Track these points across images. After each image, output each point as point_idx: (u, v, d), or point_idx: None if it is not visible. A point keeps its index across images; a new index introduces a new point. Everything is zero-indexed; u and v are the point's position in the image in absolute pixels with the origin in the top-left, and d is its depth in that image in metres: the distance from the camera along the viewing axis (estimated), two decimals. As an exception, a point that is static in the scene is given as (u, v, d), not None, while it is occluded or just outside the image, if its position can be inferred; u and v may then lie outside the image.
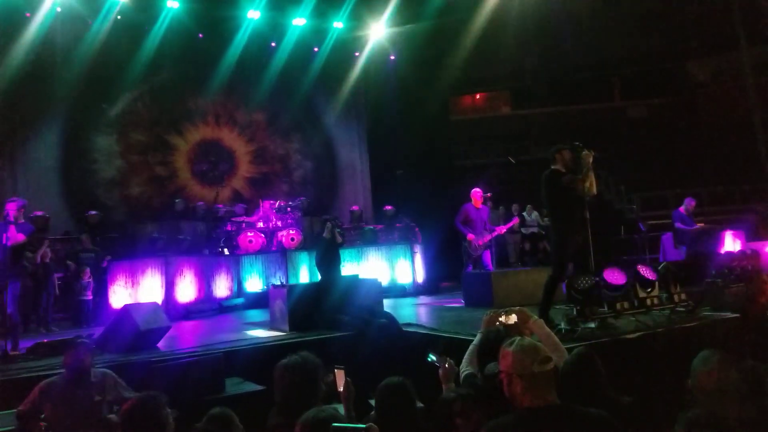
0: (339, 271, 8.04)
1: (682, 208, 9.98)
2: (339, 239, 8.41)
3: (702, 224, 10.07)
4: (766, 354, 4.57)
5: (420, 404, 3.18)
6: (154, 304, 6.51)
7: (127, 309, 5.79)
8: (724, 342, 5.17)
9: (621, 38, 16.69)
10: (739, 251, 8.88)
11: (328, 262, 7.99)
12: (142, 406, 2.44)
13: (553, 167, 5.46)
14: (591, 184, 5.33)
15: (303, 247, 9.81)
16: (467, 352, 3.40)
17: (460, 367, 3.38)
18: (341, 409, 3.00)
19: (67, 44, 10.62)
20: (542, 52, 16.29)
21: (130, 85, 11.39)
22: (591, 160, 5.31)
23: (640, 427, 2.75)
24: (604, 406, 2.73)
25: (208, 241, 9.58)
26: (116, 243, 9.54)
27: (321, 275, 7.86)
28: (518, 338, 2.29)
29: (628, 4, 15.63)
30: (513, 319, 3.58)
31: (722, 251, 9.00)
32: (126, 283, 8.17)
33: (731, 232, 9.78)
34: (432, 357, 3.25)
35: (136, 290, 8.13)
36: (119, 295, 8.02)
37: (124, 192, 11.46)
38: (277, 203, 10.33)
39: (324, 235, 8.27)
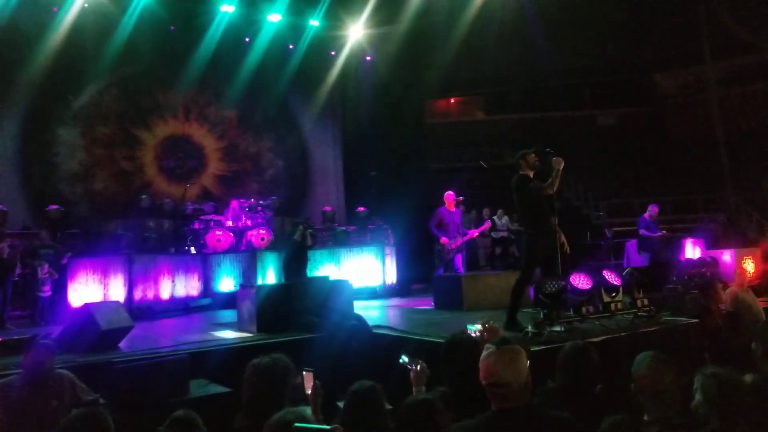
0: (305, 274, 7.99)
1: (646, 215, 10.23)
2: (309, 241, 8.36)
3: (665, 231, 10.34)
4: (723, 358, 4.71)
5: (389, 406, 3.17)
6: (117, 303, 6.34)
7: (87, 308, 5.60)
8: (684, 346, 5.32)
9: (593, 48, 17.05)
10: (699, 259, 9.17)
11: (297, 264, 7.93)
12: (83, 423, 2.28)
13: (521, 172, 5.54)
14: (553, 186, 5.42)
15: (273, 247, 9.69)
16: None
17: None
18: (309, 411, 2.97)
19: (30, 32, 10.26)
20: (517, 59, 16.50)
21: (97, 77, 11.10)
22: (561, 165, 5.40)
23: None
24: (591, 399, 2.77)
25: (175, 240, 9.37)
26: (78, 239, 9.25)
27: (286, 278, 7.80)
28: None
29: (600, 15, 15.97)
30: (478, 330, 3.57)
31: (683, 259, 9.27)
32: (87, 281, 7.91)
33: (692, 240, 10.07)
34: (404, 359, 3.24)
35: (97, 288, 7.89)
36: (80, 294, 7.76)
37: (87, 187, 11.16)
38: (248, 202, 10.18)
39: (295, 237, 8.21)
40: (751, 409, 2.32)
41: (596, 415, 2.29)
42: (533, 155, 5.52)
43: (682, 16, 15.14)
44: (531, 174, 5.52)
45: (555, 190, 5.42)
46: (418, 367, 3.12)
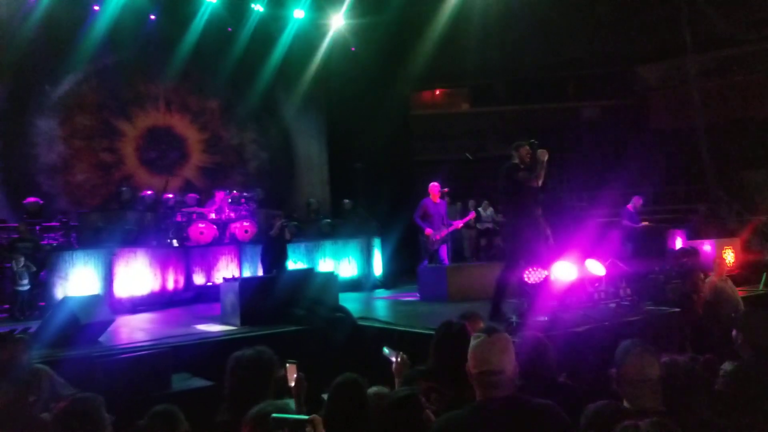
0: (285, 268, 8.01)
1: (630, 206, 10.33)
2: (288, 236, 8.39)
3: (647, 222, 10.46)
4: (703, 347, 4.77)
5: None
6: (97, 296, 6.25)
7: (66, 301, 5.54)
8: (666, 335, 5.38)
9: (576, 40, 17.10)
10: (681, 249, 9.27)
11: (273, 259, 7.99)
12: (78, 406, 2.33)
13: (512, 162, 5.55)
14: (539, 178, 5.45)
15: (257, 239, 9.61)
16: None
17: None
18: (293, 404, 2.95)
19: (6, 20, 10.00)
20: (501, 52, 16.51)
21: (76, 66, 10.84)
22: (546, 158, 5.42)
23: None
24: (555, 390, 2.80)
25: (157, 232, 9.24)
26: (57, 232, 9.10)
27: (265, 272, 7.87)
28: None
29: (583, 7, 16.02)
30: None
31: (665, 248, 9.39)
32: (67, 274, 7.78)
33: (674, 230, 10.19)
34: (386, 351, 3.24)
35: (78, 282, 7.77)
36: (59, 287, 7.64)
37: (66, 179, 10.94)
38: (231, 194, 10.07)
39: (271, 233, 8.26)
40: (694, 395, 2.33)
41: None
42: (527, 148, 5.54)
43: (664, 8, 15.24)
44: (521, 165, 5.53)
45: (541, 182, 5.44)
46: (399, 359, 3.12)
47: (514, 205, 5.56)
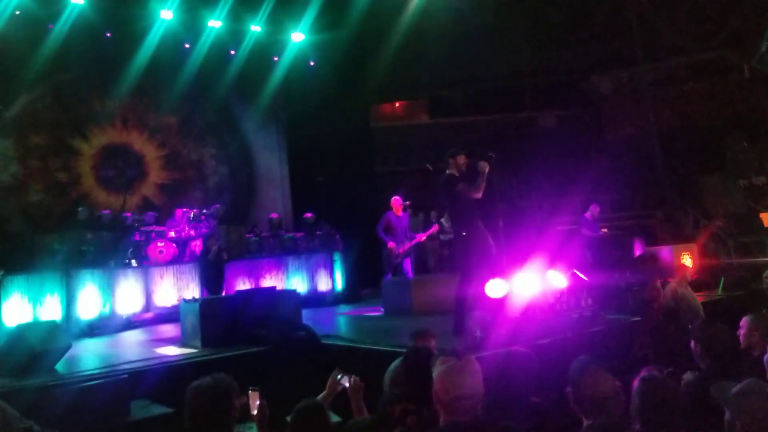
0: (221, 289, 8.32)
1: (588, 214, 10.54)
2: (225, 257, 8.49)
3: (606, 230, 10.69)
4: (665, 356, 4.86)
5: (337, 418, 3.16)
6: (52, 321, 6.04)
7: (20, 328, 5.34)
8: (627, 345, 5.46)
9: (531, 51, 17.51)
10: (639, 256, 9.50)
11: (212, 282, 8.24)
12: None
13: (448, 172, 5.49)
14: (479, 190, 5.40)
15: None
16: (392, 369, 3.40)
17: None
18: (255, 430, 2.91)
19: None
20: (458, 63, 16.78)
21: (30, 85, 10.57)
22: (486, 170, 5.39)
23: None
24: (526, 409, 2.82)
25: (114, 252, 8.99)
26: (11, 255, 8.77)
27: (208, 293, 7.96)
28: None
29: (537, 19, 16.44)
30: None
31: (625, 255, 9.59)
32: (22, 299, 7.52)
33: (633, 237, 10.43)
34: (339, 376, 3.26)
35: (32, 307, 7.49)
36: (14, 313, 7.36)
37: (21, 200, 10.62)
38: (191, 211, 9.88)
39: (209, 257, 8.34)
40: (675, 414, 2.37)
41: None
42: (463, 156, 5.46)
43: (615, 19, 15.76)
44: (457, 174, 5.46)
45: (480, 194, 5.36)
46: (352, 382, 3.14)
47: (459, 217, 5.51)
